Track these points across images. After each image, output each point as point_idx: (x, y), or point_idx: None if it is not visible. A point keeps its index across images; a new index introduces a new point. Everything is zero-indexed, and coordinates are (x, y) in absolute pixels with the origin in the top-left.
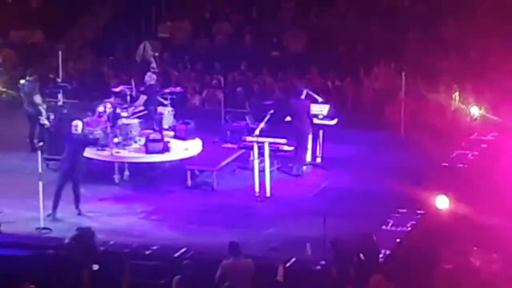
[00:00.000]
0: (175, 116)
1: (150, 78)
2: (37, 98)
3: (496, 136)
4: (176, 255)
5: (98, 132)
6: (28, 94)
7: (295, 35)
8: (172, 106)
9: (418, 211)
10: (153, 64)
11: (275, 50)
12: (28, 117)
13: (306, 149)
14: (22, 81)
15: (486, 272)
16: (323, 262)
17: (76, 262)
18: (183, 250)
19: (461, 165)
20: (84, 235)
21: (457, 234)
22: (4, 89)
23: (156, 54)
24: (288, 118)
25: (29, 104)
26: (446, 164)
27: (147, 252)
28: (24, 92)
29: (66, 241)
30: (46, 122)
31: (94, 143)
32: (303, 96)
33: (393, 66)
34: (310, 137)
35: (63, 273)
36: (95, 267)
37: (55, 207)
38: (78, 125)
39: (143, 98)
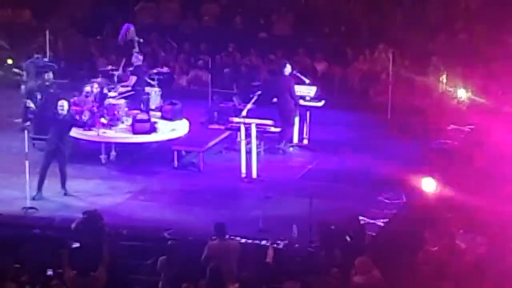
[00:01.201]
0: (162, 97)
1: (137, 59)
2: (50, 74)
3: (481, 120)
4: (162, 235)
5: (85, 115)
6: (38, 72)
7: (282, 17)
8: (159, 86)
9: (404, 193)
10: (136, 49)
11: (262, 32)
12: (30, 94)
13: (292, 126)
14: (9, 61)
15: (471, 255)
16: (309, 244)
17: (56, 241)
18: (169, 230)
19: (447, 147)
20: (92, 218)
21: (443, 217)
22: None
23: (141, 40)
24: (275, 100)
25: (36, 81)
26: (433, 147)
27: (133, 233)
28: (34, 69)
29: (73, 225)
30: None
31: (81, 125)
32: (286, 72)
33: (381, 48)
34: (296, 118)
35: (49, 252)
36: (75, 244)
37: (40, 187)
38: (64, 105)
39: (133, 79)
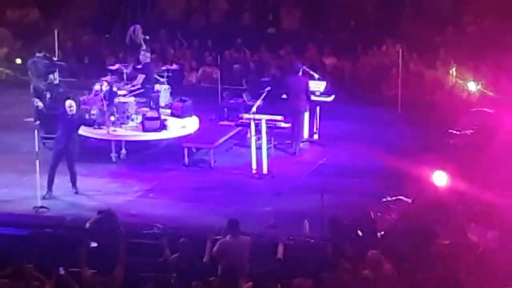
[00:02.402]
0: (171, 94)
1: (145, 56)
2: (51, 76)
3: (493, 111)
4: (175, 233)
5: (94, 112)
6: (41, 71)
7: (291, 12)
8: (168, 83)
9: (415, 187)
10: (143, 47)
11: (271, 27)
12: (37, 93)
13: (302, 126)
14: (18, 61)
15: (483, 248)
16: (320, 239)
17: (73, 240)
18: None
19: (458, 140)
20: (107, 217)
21: (454, 211)
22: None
23: (147, 37)
24: (285, 96)
25: (40, 80)
26: (443, 140)
27: (144, 231)
28: (36, 68)
29: (88, 224)
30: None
31: (90, 124)
32: (299, 74)
33: (390, 42)
34: (306, 114)
35: (61, 251)
36: (93, 244)
37: (50, 186)
38: (72, 106)
39: (141, 77)
